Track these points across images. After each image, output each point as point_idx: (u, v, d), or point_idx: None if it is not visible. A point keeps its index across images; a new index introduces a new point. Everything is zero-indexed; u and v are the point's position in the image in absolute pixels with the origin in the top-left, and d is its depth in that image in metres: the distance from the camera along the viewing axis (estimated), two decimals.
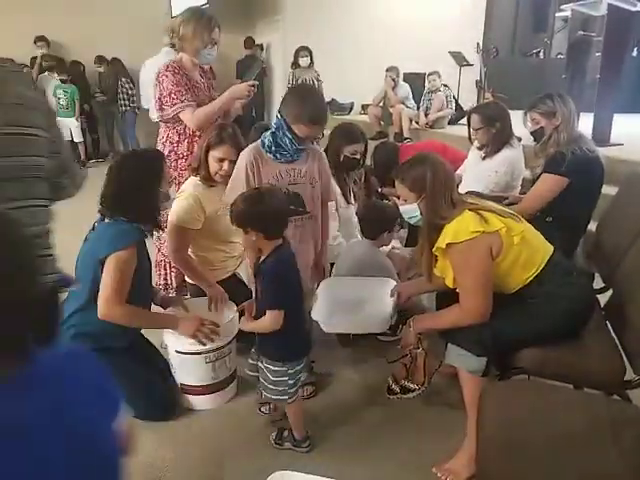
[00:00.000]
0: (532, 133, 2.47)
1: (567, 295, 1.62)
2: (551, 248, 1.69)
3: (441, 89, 6.07)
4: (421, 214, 1.70)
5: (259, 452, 1.83)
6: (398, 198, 3.24)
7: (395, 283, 2.10)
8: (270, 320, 1.62)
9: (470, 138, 2.87)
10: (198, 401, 2.05)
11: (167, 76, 2.38)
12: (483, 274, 1.57)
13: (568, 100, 2.39)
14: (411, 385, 1.86)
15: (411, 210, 1.72)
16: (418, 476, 1.71)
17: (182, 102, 2.37)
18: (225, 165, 2.12)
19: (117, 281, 1.75)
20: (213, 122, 2.38)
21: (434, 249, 1.66)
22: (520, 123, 2.58)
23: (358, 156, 2.53)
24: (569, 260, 2.14)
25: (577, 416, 1.25)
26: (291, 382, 1.72)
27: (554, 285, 1.62)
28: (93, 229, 1.88)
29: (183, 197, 2.16)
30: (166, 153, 2.46)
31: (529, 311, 1.63)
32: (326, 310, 1.96)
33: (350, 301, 2.02)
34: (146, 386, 1.95)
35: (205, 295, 2.17)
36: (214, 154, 2.14)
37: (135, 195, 1.79)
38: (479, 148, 2.85)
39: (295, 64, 5.84)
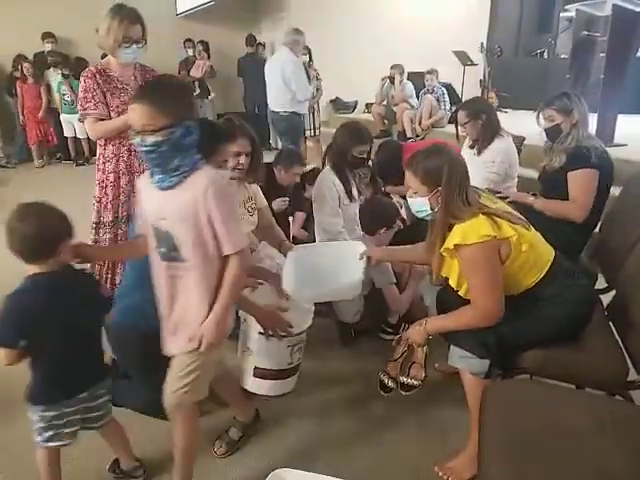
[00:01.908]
0: (546, 130, 2.43)
1: (570, 298, 1.62)
2: (553, 251, 1.68)
3: (435, 89, 6.05)
4: (431, 209, 1.64)
5: (269, 449, 1.84)
6: (403, 198, 3.25)
7: (364, 247, 2.02)
8: None
9: (458, 136, 2.92)
10: (269, 385, 1.96)
11: (81, 81, 2.36)
12: (493, 275, 1.56)
13: (583, 99, 2.38)
14: (410, 381, 1.83)
15: (420, 204, 1.66)
16: (419, 475, 1.72)
17: (85, 110, 2.35)
18: (242, 159, 2.04)
19: None
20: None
21: (441, 249, 1.62)
22: (522, 121, 2.58)
23: (365, 155, 2.54)
24: (572, 261, 2.14)
25: (580, 416, 1.25)
26: (42, 425, 1.48)
27: (557, 287, 1.62)
28: None
29: None
30: (97, 155, 2.46)
31: (533, 314, 1.62)
32: (295, 280, 1.90)
33: (320, 269, 1.98)
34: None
35: None
36: (230, 149, 2.11)
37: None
38: (471, 146, 2.91)
39: None
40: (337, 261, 2.02)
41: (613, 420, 1.18)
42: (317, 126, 5.96)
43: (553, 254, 1.67)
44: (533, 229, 1.67)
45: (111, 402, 1.88)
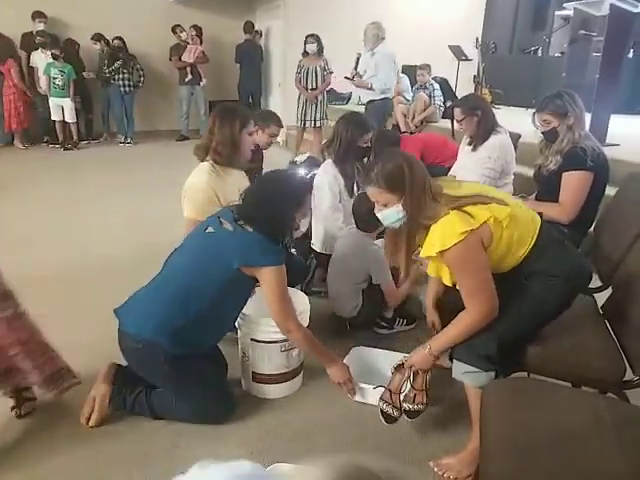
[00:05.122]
0: (544, 134, 2.43)
1: (564, 269, 1.58)
2: (539, 219, 1.62)
3: (427, 85, 6.04)
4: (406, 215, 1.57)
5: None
6: None
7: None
8: None
9: (453, 133, 2.93)
10: (271, 390, 2.06)
11: None
12: (481, 270, 1.52)
13: (577, 98, 2.37)
14: (416, 407, 1.75)
15: (394, 214, 1.59)
16: (416, 470, 1.71)
17: None
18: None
19: (284, 296, 1.82)
20: None
21: (421, 254, 1.58)
22: (517, 119, 2.58)
23: (369, 144, 2.54)
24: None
25: (579, 415, 1.26)
26: None
27: (548, 260, 1.57)
28: (220, 223, 1.85)
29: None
30: None
31: (527, 300, 1.59)
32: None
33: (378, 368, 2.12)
34: (216, 385, 1.94)
35: None
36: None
37: (273, 215, 1.81)
38: (469, 143, 2.92)
39: (305, 52, 5.79)
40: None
41: (613, 420, 1.19)
42: (319, 117, 5.91)
43: (539, 222, 1.61)
44: (512, 200, 1.62)
45: (152, 415, 1.89)
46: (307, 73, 5.74)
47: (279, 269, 1.79)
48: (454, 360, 1.63)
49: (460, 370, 1.61)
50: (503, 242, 1.53)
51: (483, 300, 1.53)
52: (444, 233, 1.48)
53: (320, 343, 1.98)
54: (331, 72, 5.85)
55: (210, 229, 1.86)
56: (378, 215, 1.65)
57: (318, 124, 5.92)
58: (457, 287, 1.62)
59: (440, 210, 1.51)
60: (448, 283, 1.64)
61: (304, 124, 5.90)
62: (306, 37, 5.75)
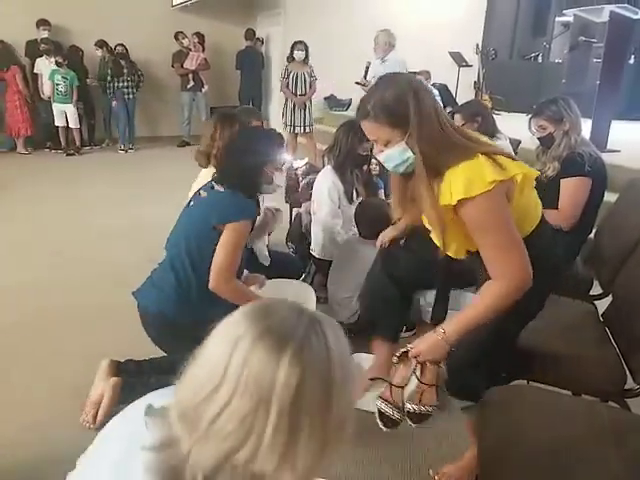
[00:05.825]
0: (540, 139, 2.43)
1: (549, 264, 1.39)
2: (539, 202, 1.43)
3: None
4: (414, 154, 1.27)
5: None
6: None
7: None
8: None
9: None
10: None
11: None
12: (506, 225, 1.24)
13: (572, 104, 2.37)
14: (423, 409, 1.42)
15: (399, 154, 1.29)
16: (413, 478, 1.70)
17: None
18: None
19: (234, 252, 1.76)
20: None
21: (441, 204, 1.25)
22: (517, 125, 2.57)
23: (369, 152, 2.54)
24: (568, 265, 2.14)
25: (579, 423, 1.25)
26: None
27: (546, 241, 1.40)
28: (199, 195, 1.91)
29: None
30: None
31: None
32: None
33: None
34: None
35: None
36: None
37: (241, 167, 1.84)
38: None
39: (290, 57, 5.85)
40: None
41: (614, 429, 1.18)
42: (308, 123, 5.99)
43: (541, 205, 1.42)
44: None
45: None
46: (296, 79, 5.83)
47: (247, 223, 1.79)
48: (448, 396, 1.61)
49: (456, 404, 1.60)
50: (520, 207, 1.29)
51: (514, 261, 1.23)
52: (469, 179, 1.20)
53: (252, 293, 1.93)
54: (316, 79, 5.95)
55: (192, 202, 1.93)
56: (379, 158, 1.37)
57: (307, 129, 6.00)
58: (450, 251, 1.35)
59: (464, 149, 1.24)
60: (438, 240, 1.34)
61: (294, 129, 5.96)
62: (294, 44, 5.82)
